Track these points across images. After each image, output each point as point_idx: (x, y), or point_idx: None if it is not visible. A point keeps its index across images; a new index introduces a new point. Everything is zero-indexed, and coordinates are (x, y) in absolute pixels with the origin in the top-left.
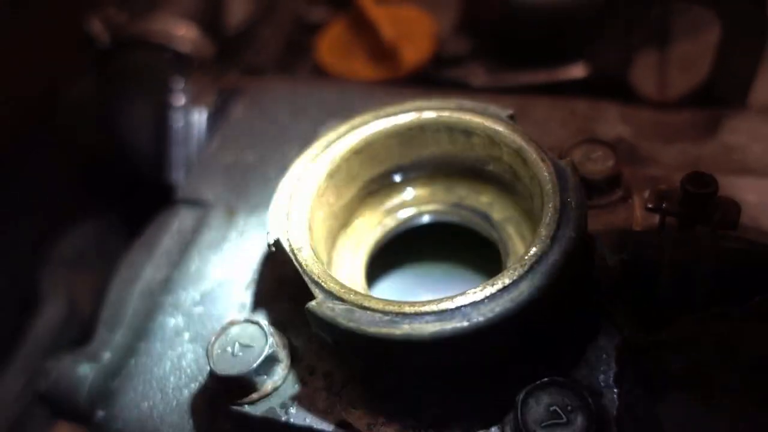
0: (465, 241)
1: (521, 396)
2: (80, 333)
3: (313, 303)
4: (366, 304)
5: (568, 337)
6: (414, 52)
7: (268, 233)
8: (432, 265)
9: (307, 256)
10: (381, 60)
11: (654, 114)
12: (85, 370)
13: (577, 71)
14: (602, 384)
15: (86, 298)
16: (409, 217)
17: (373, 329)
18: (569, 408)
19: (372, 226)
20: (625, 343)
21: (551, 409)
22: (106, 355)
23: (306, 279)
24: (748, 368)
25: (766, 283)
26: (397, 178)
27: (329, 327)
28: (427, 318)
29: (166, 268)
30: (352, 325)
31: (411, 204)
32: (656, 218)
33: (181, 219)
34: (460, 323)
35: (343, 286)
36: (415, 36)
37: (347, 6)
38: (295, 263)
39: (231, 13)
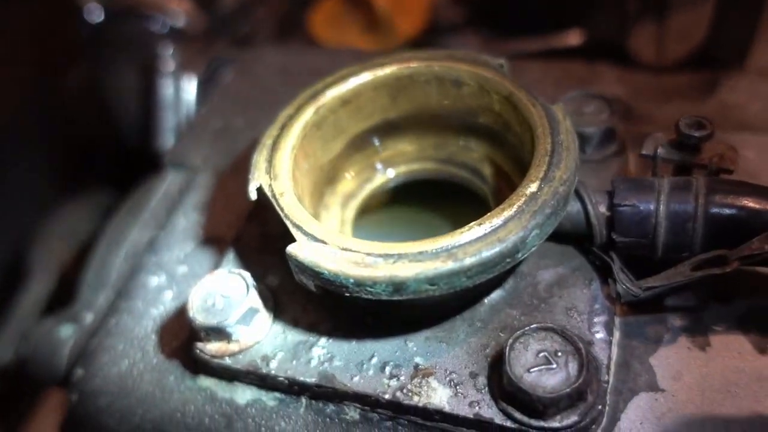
0: (457, 197)
1: (509, 341)
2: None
3: (293, 246)
4: (348, 246)
5: (557, 286)
6: (408, 21)
7: (249, 181)
8: (422, 220)
9: (289, 201)
10: (375, 31)
11: (651, 76)
12: (66, 332)
13: (573, 38)
14: (593, 332)
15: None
16: (398, 174)
17: (355, 271)
18: (559, 354)
19: (360, 183)
20: (617, 291)
21: (540, 354)
22: (89, 316)
23: (287, 223)
24: (742, 315)
25: (762, 226)
26: (387, 133)
27: (311, 271)
28: (412, 257)
29: (152, 230)
30: (333, 267)
31: (400, 160)
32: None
33: (169, 182)
34: (444, 263)
35: (325, 229)
36: (409, 6)
37: None
38: (277, 208)
39: None
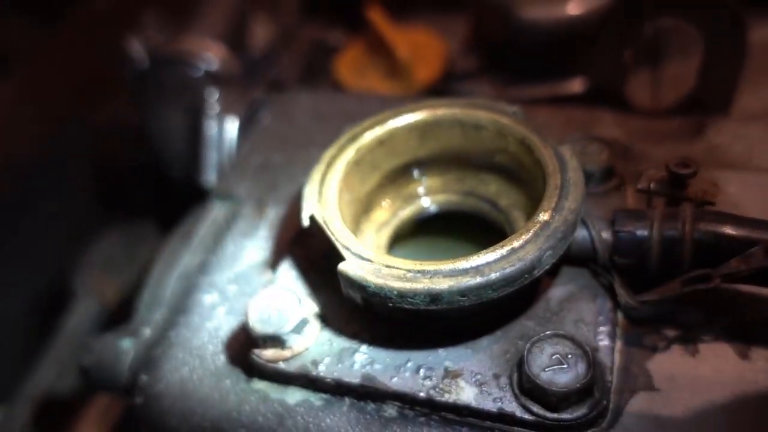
0: (476, 226)
1: (528, 345)
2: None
3: (344, 264)
4: (391, 263)
5: (567, 302)
6: (426, 69)
7: (302, 210)
8: (445, 247)
9: (338, 226)
10: (395, 77)
11: (646, 121)
12: (127, 345)
13: (576, 86)
14: (598, 340)
15: (114, 299)
16: (425, 205)
17: (398, 284)
18: (570, 356)
19: (392, 213)
20: (618, 305)
21: (554, 357)
22: (146, 331)
23: (338, 245)
24: (727, 327)
25: (740, 249)
26: (416, 169)
27: (359, 285)
28: (445, 273)
29: (202, 254)
30: (379, 281)
31: (427, 193)
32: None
33: (216, 211)
34: (474, 278)
35: (370, 250)
36: (427, 56)
37: (363, 30)
38: (328, 232)
39: (255, 36)
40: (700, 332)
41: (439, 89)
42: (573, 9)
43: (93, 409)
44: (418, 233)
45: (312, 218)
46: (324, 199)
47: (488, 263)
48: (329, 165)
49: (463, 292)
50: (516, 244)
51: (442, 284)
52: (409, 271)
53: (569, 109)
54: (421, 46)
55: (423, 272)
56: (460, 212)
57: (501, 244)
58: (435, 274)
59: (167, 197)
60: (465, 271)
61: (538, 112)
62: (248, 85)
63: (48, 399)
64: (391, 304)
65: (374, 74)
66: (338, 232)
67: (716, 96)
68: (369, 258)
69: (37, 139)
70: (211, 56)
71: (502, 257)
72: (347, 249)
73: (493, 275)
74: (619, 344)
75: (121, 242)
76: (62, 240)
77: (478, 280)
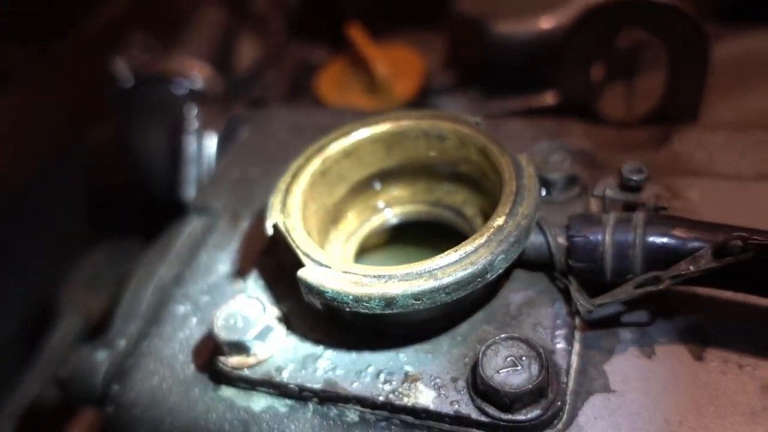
0: (446, 234)
1: (483, 348)
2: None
3: (303, 270)
4: (348, 269)
5: (525, 306)
6: (405, 85)
7: (266, 219)
8: (414, 255)
9: (299, 234)
10: (375, 93)
11: (614, 131)
12: (102, 356)
13: (550, 98)
14: (555, 343)
15: (99, 314)
16: (392, 215)
17: (353, 289)
18: (523, 358)
19: (360, 223)
20: (575, 309)
21: (508, 359)
22: (122, 342)
23: (298, 252)
24: (681, 329)
25: (689, 251)
26: (383, 180)
27: (317, 291)
28: (400, 277)
29: (178, 267)
30: (336, 286)
31: (394, 203)
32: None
33: (193, 225)
34: (427, 282)
35: (329, 256)
36: (406, 72)
37: (345, 48)
38: (289, 240)
39: (241, 56)
40: (657, 334)
41: (418, 104)
42: (545, 23)
43: (78, 424)
44: (390, 242)
45: (275, 227)
46: (288, 209)
47: (441, 267)
48: (295, 175)
49: (417, 296)
50: (469, 248)
51: (396, 288)
52: (365, 276)
53: (540, 120)
54: (401, 63)
55: (378, 277)
56: (427, 222)
57: (455, 248)
58: (390, 278)
59: (154, 214)
60: (419, 275)
61: (510, 123)
62: (231, 102)
63: (32, 414)
64: (348, 309)
65: (354, 90)
66: (299, 240)
67: (683, 107)
68: (327, 265)
69: (28, 158)
70: (195, 75)
71: (455, 261)
72: (307, 256)
73: (446, 279)
74: (576, 347)
75: (107, 259)
76: (52, 257)
77: (431, 283)
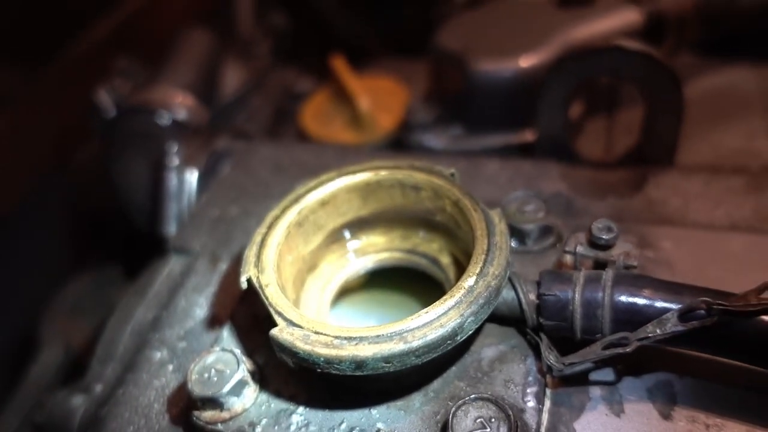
0: (420, 280)
1: (453, 409)
2: (75, 375)
3: (275, 330)
4: (319, 329)
5: (498, 362)
6: (389, 118)
7: (241, 274)
8: (391, 300)
9: (272, 291)
10: (358, 126)
11: (590, 172)
12: (78, 402)
13: (528, 136)
14: (526, 401)
15: (82, 344)
16: (369, 262)
17: (324, 351)
18: (492, 420)
19: (337, 270)
20: (546, 366)
21: (477, 420)
22: (98, 387)
23: (271, 310)
24: (650, 387)
25: (656, 313)
26: (359, 228)
27: (289, 350)
28: (371, 340)
29: (155, 309)
30: (307, 347)
31: (371, 251)
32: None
33: (171, 266)
34: (396, 345)
35: (302, 315)
36: (388, 106)
37: (330, 77)
38: (262, 297)
39: (225, 84)
40: (626, 391)
41: (399, 138)
42: (525, 62)
43: None
44: (365, 289)
45: (249, 282)
46: (262, 263)
47: (411, 330)
48: (270, 227)
49: (387, 359)
50: (440, 309)
51: (366, 351)
52: (336, 338)
53: (518, 162)
54: (384, 94)
55: (349, 339)
56: (405, 269)
57: (426, 309)
58: (360, 340)
59: (137, 243)
60: (389, 338)
61: (488, 164)
62: (214, 133)
63: None
64: (319, 370)
65: (337, 123)
66: (272, 297)
67: (660, 150)
68: (300, 324)
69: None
70: (178, 105)
71: (426, 324)
72: (280, 315)
73: (415, 342)
74: (547, 404)
75: (89, 287)
76: (34, 286)
77: (401, 347)
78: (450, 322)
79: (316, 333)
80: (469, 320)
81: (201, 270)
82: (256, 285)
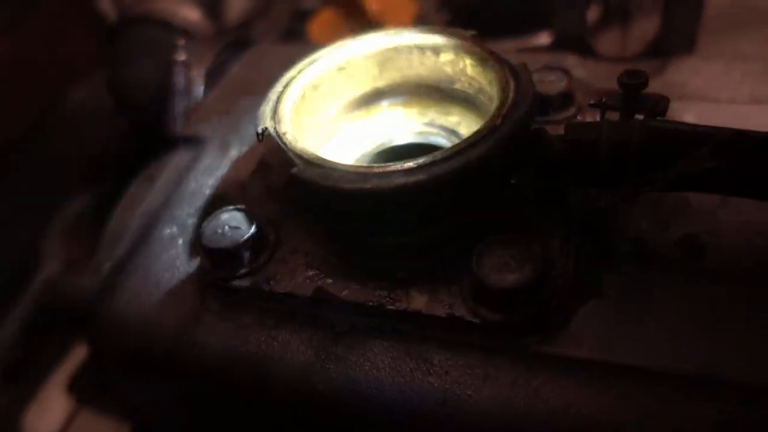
0: None
1: (478, 248)
2: None
3: (295, 169)
4: (340, 167)
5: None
6: (396, 25)
7: (257, 126)
8: None
9: (290, 138)
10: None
11: (609, 64)
12: (87, 281)
13: (544, 38)
14: (552, 245)
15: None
16: (386, 136)
17: (347, 185)
18: (517, 258)
19: (351, 144)
20: (572, 215)
21: (503, 258)
22: (107, 266)
23: (290, 154)
24: (678, 242)
25: (683, 154)
26: (376, 100)
27: (310, 189)
28: (394, 174)
29: (165, 194)
30: (328, 183)
31: (388, 124)
32: None
33: (179, 156)
34: (420, 176)
35: (320, 157)
36: (398, 12)
37: None
38: (281, 143)
39: (230, 7)
40: (653, 246)
41: None
42: None
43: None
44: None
45: (265, 131)
46: (279, 116)
47: (434, 162)
48: (286, 86)
49: (410, 190)
50: (463, 146)
51: (389, 183)
52: (357, 173)
53: (536, 53)
54: (393, 2)
55: (371, 174)
56: (422, 144)
57: (450, 147)
58: (383, 175)
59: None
60: (411, 171)
61: (505, 54)
62: (221, 38)
63: (8, 364)
64: (340, 209)
65: (346, 33)
66: (290, 142)
67: (679, 40)
68: (319, 163)
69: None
70: (184, 16)
71: (448, 157)
72: (299, 156)
73: (439, 171)
74: (572, 252)
75: (89, 207)
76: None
77: (424, 176)
78: (474, 155)
79: (337, 170)
80: (493, 154)
81: (210, 154)
82: (273, 133)
